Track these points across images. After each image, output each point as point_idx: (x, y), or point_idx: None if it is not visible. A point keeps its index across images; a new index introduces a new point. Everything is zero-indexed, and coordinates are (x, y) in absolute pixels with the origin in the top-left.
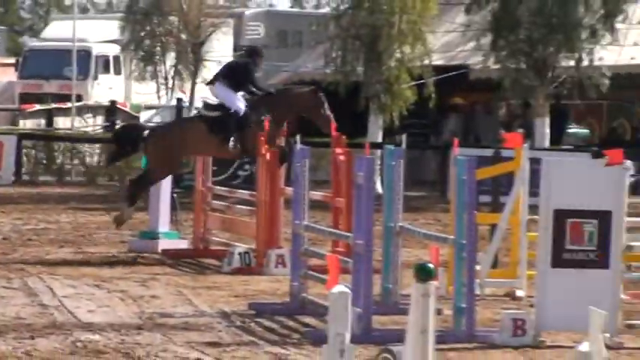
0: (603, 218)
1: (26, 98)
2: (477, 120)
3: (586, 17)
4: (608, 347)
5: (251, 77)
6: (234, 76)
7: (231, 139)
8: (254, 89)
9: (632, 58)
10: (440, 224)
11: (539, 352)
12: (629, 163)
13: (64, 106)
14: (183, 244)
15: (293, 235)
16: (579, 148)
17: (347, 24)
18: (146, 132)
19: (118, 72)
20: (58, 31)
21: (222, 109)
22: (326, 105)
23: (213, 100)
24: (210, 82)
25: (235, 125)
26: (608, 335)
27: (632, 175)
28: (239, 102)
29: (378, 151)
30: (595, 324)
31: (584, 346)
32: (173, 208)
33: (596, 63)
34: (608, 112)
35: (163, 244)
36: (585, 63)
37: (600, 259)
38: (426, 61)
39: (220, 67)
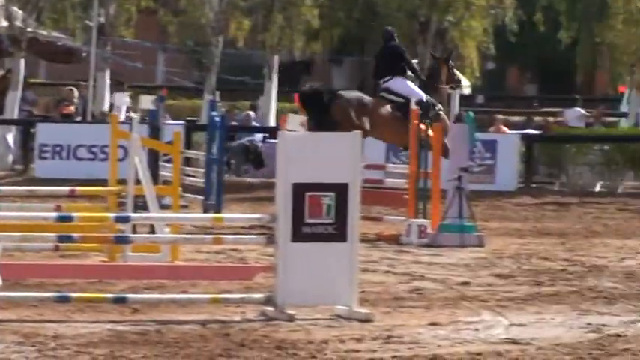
0: None
1: None
2: None
3: None
4: None
5: (409, 60)
6: (399, 63)
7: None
8: (410, 71)
9: None
10: None
11: None
12: None
13: None
14: None
15: None
16: None
17: None
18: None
19: None
20: None
21: (405, 98)
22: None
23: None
24: (384, 76)
25: (425, 112)
26: None
27: None
28: (420, 91)
29: None
30: None
31: None
32: None
33: None
34: None
35: None
36: None
37: None
38: None
39: (381, 57)
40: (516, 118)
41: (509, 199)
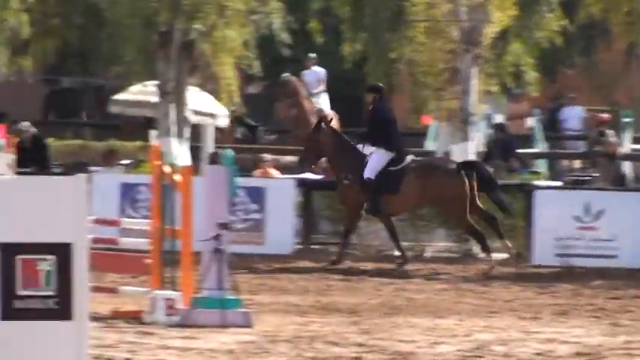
0: None
1: None
2: None
3: None
4: None
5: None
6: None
7: None
8: None
9: None
10: None
11: None
12: None
13: None
14: None
15: None
16: None
17: None
18: None
19: None
20: None
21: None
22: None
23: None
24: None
25: None
26: None
27: None
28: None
29: None
30: None
31: None
32: None
33: None
34: None
35: None
36: None
37: None
38: None
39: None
40: (289, 158)
41: (284, 264)
